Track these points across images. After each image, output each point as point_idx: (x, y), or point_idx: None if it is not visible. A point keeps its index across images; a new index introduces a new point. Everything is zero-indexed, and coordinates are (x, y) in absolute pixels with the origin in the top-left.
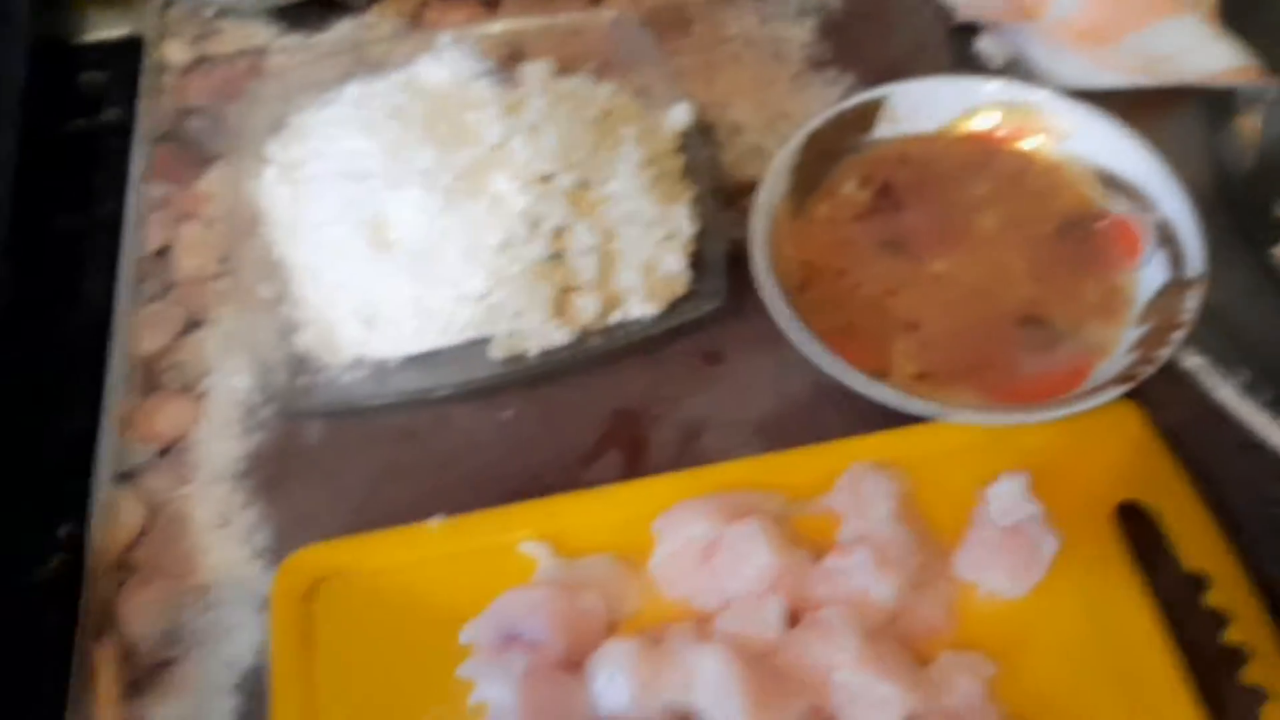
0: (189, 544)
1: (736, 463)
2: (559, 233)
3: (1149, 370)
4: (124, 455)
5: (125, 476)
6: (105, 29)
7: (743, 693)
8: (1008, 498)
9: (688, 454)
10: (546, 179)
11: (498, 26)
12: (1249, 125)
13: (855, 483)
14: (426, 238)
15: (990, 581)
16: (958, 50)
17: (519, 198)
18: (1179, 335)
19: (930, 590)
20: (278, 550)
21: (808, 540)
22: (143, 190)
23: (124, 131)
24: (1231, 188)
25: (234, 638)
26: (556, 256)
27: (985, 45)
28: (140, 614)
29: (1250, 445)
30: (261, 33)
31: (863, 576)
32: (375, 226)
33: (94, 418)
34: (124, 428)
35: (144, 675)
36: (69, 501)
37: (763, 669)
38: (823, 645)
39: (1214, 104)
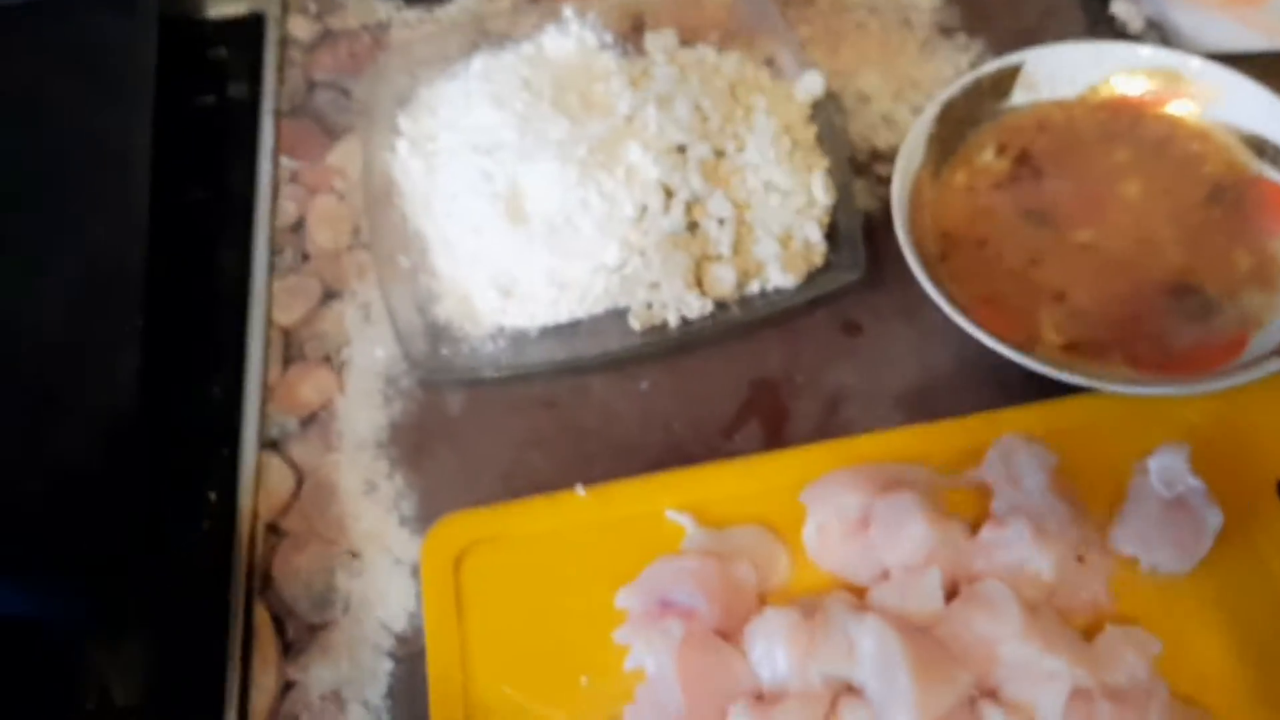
0: (338, 510)
1: (882, 434)
2: (694, 203)
3: None
4: (269, 424)
5: (272, 444)
6: (227, 5)
7: (907, 666)
8: (1170, 469)
9: (829, 425)
10: (680, 149)
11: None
12: None
13: (1006, 455)
14: (562, 209)
15: (1152, 556)
16: (1093, 14)
17: (653, 168)
18: None
19: (1089, 564)
20: (424, 517)
21: (959, 513)
22: (274, 164)
23: (251, 107)
24: None
25: (387, 602)
26: (693, 227)
27: (1122, 8)
28: (295, 578)
29: None
30: (383, 8)
31: (1021, 549)
32: (510, 198)
33: (237, 388)
34: (268, 397)
35: (301, 637)
36: (216, 468)
37: (925, 642)
38: (985, 618)
39: None
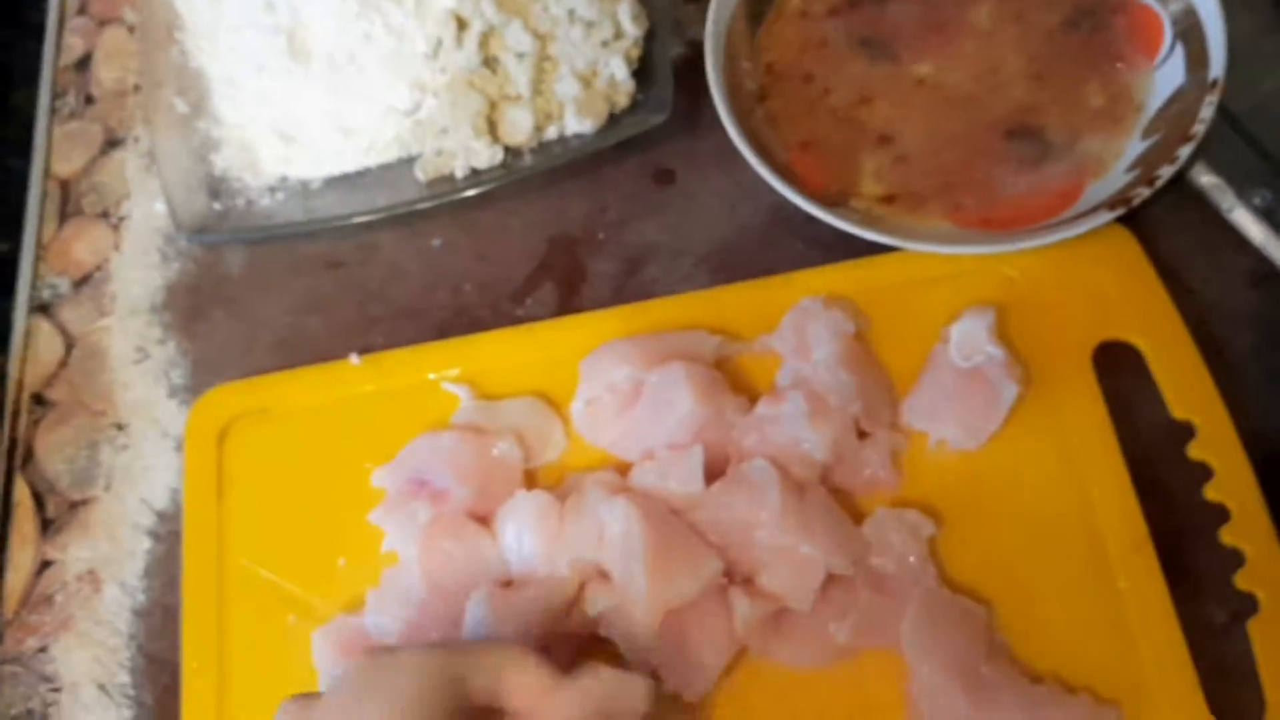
0: (107, 379)
1: (675, 298)
2: (490, 35)
3: (1146, 193)
4: (40, 285)
5: (42, 308)
6: None
7: (648, 551)
8: (969, 338)
9: (628, 287)
10: None
11: None
12: None
13: (801, 320)
14: (343, 45)
15: (942, 430)
16: None
17: None
18: (1187, 149)
19: (873, 440)
20: (195, 387)
21: (746, 384)
22: None
23: None
24: None
25: (151, 478)
26: (489, 63)
27: None
28: (58, 451)
29: (1257, 277)
30: None
31: (795, 425)
32: (292, 33)
33: (18, 241)
34: (41, 256)
35: (61, 514)
36: (1, 326)
37: (671, 526)
38: (744, 501)
39: None
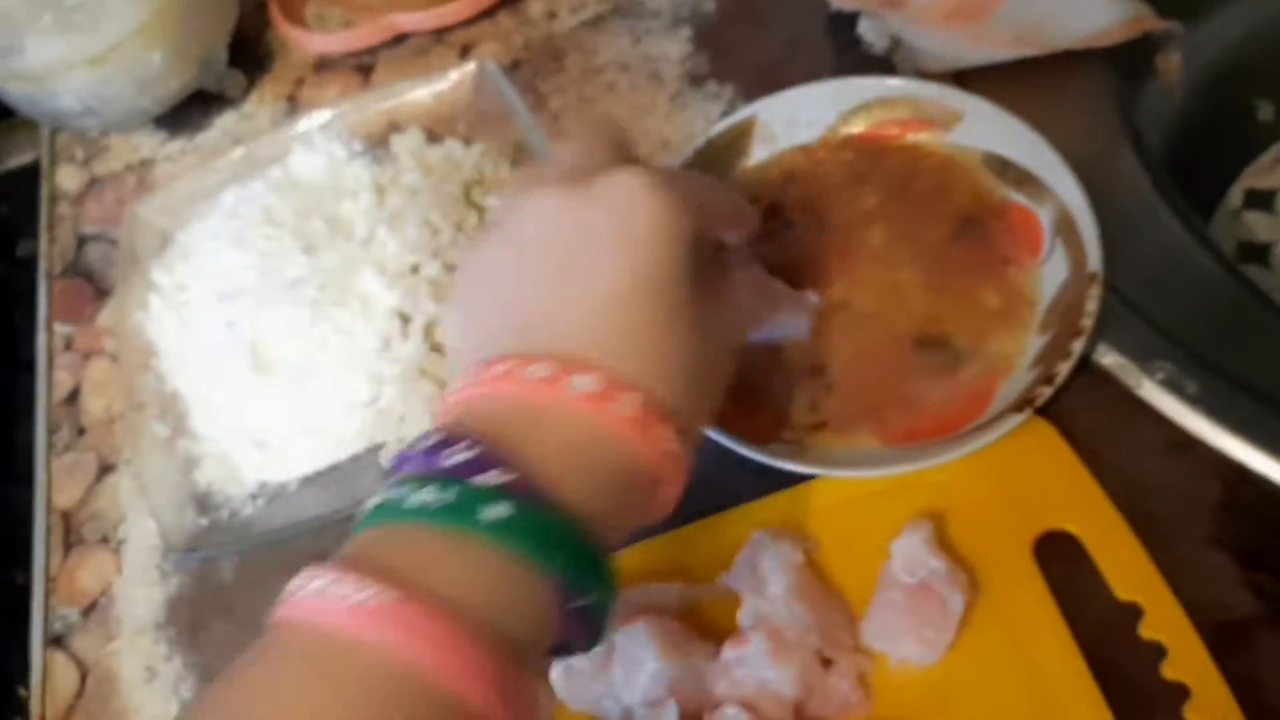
0: (120, 703)
1: (636, 547)
2: (431, 325)
3: (1048, 391)
4: (52, 617)
5: (56, 640)
6: (10, 157)
7: None
8: (910, 553)
9: None
10: (415, 270)
11: (366, 100)
12: (1169, 65)
13: (754, 556)
14: (302, 352)
15: (900, 649)
16: (840, 37)
17: (388, 294)
18: (1079, 343)
19: (837, 668)
20: None
21: (712, 627)
22: (49, 333)
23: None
24: (1151, 148)
25: None
26: (436, 349)
27: (866, 30)
28: None
29: (1175, 447)
30: (146, 142)
31: (760, 666)
32: (253, 347)
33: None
34: (51, 589)
35: None
36: (26, 662)
37: None
38: None
39: (1124, 56)
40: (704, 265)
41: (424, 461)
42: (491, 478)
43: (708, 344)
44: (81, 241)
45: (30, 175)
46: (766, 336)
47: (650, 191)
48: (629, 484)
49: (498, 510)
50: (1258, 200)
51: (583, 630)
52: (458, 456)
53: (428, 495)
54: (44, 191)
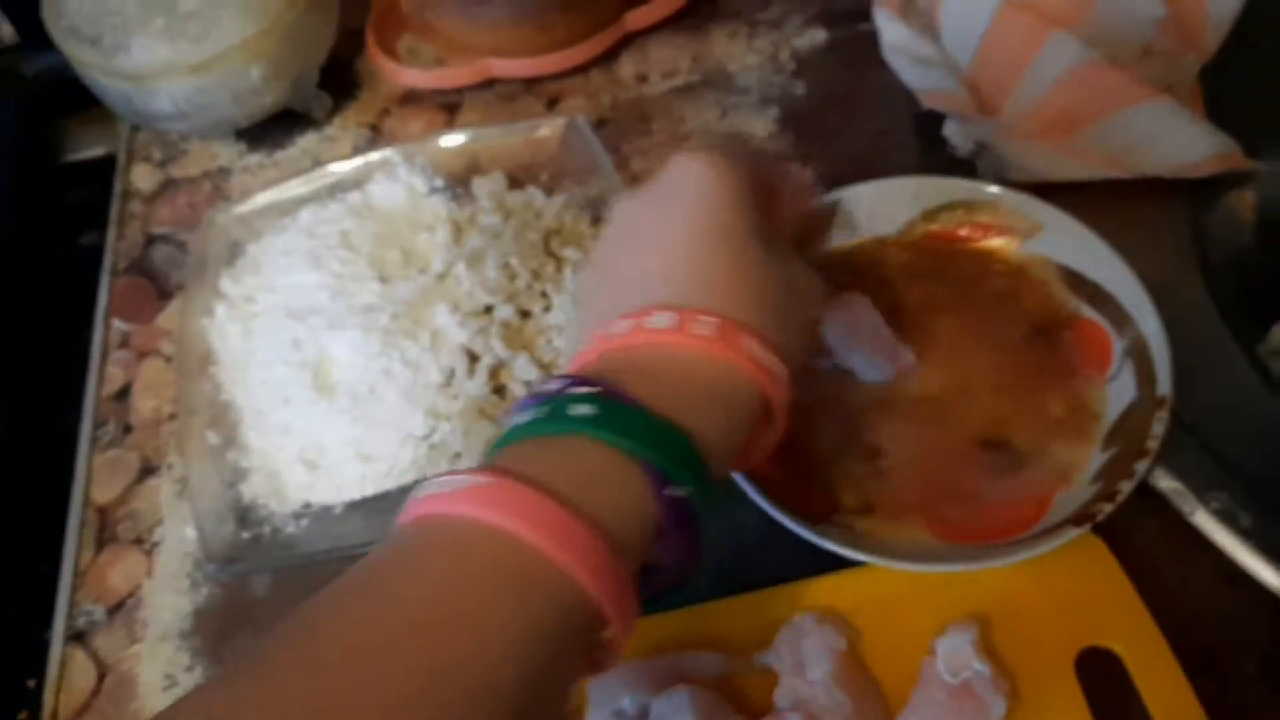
0: (136, 707)
1: (675, 614)
2: (499, 367)
3: (1109, 508)
4: (76, 613)
5: (78, 636)
6: (87, 149)
7: None
8: (955, 653)
9: None
10: (487, 310)
11: (453, 138)
12: (1244, 203)
13: (795, 638)
14: (365, 379)
15: None
16: (926, 136)
17: (459, 331)
18: (1144, 464)
19: None
20: None
21: (748, 702)
22: (105, 328)
23: (100, 257)
24: (1220, 281)
25: None
26: (499, 390)
27: (952, 132)
28: None
29: (1226, 579)
30: (225, 152)
31: None
32: (318, 368)
33: (58, 570)
34: (78, 584)
35: None
36: (39, 654)
37: None
38: None
39: (1200, 186)
40: (767, 225)
41: (530, 400)
42: (580, 390)
43: (779, 282)
44: (149, 241)
45: (103, 169)
46: (848, 363)
47: (697, 160)
48: (724, 397)
49: (584, 409)
50: None
51: (682, 528)
52: (552, 385)
53: (528, 415)
54: (117, 187)
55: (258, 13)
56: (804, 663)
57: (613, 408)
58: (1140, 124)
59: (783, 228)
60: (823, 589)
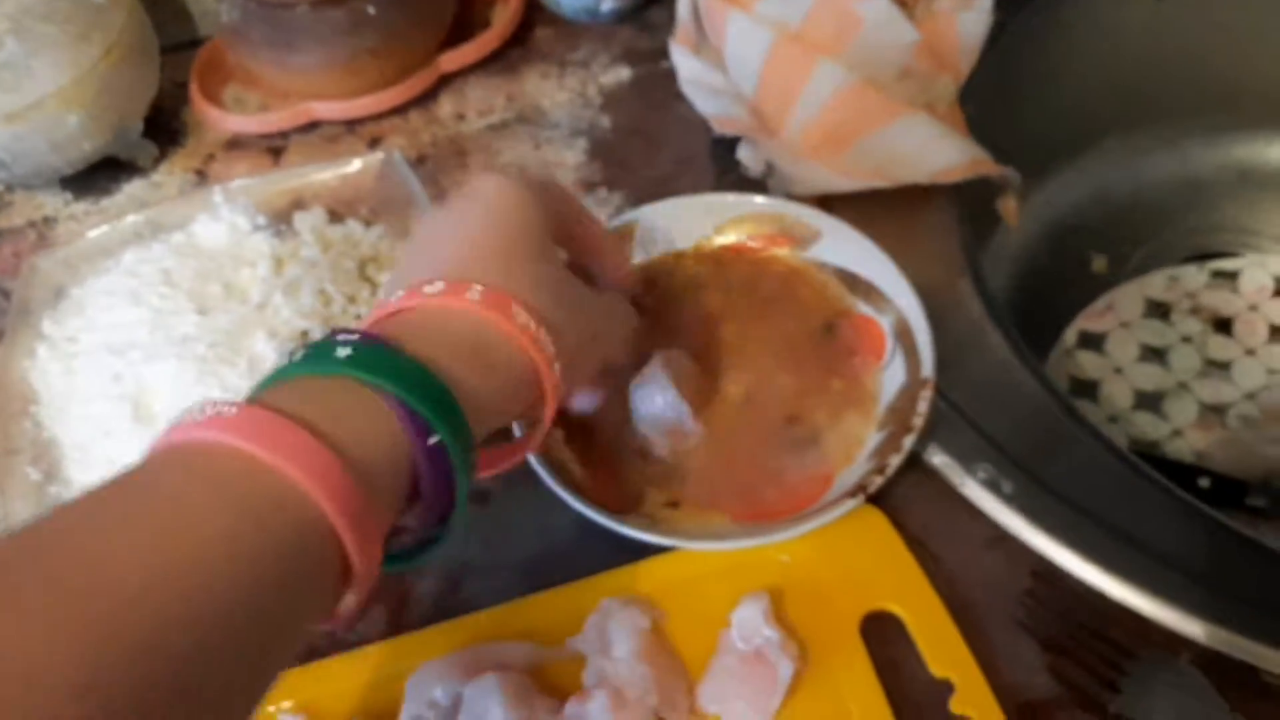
0: None
1: (491, 611)
2: None
3: (879, 480)
4: None
5: None
6: None
7: None
8: (747, 623)
9: (451, 603)
10: (305, 334)
11: (273, 177)
12: (1008, 209)
13: (602, 621)
14: (184, 406)
15: (731, 712)
16: (720, 161)
17: (275, 356)
18: (910, 439)
19: None
20: None
21: (557, 687)
22: None
23: None
24: (985, 276)
25: None
26: None
27: (744, 155)
28: None
29: (992, 541)
30: (50, 201)
31: None
32: (138, 399)
33: None
34: None
35: None
36: None
37: None
38: None
39: (970, 196)
40: (555, 246)
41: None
42: (342, 337)
43: (563, 280)
44: None
45: None
46: (637, 423)
47: (501, 179)
48: (486, 354)
49: (344, 351)
50: (1089, 341)
51: (438, 478)
52: (318, 338)
53: (294, 358)
54: None
55: (71, 63)
56: (610, 642)
57: (370, 349)
58: (898, 138)
59: (582, 259)
60: (629, 576)
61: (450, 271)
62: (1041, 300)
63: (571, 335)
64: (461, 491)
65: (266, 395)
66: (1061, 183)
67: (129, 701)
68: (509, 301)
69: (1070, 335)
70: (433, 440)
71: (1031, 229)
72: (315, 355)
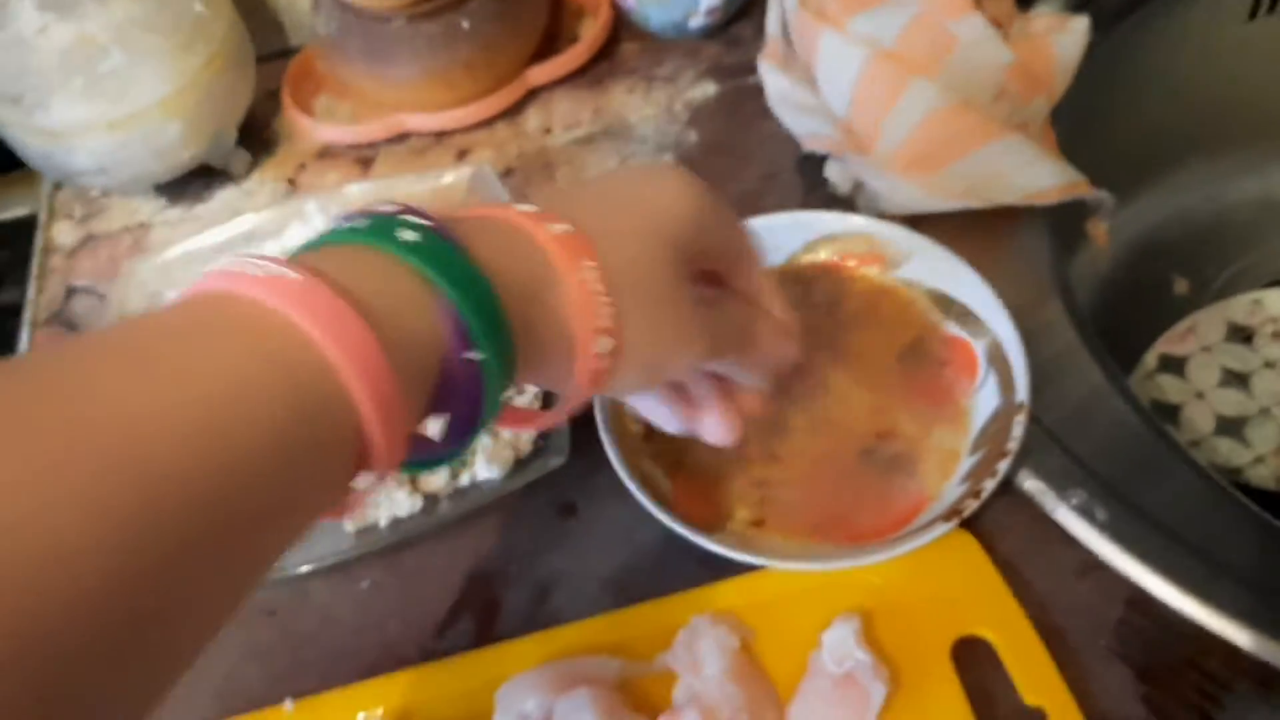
0: None
1: (580, 624)
2: None
3: (974, 505)
4: None
5: None
6: (8, 209)
7: None
8: (839, 645)
9: (539, 615)
10: None
11: (365, 187)
12: (1098, 232)
13: (691, 639)
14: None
15: None
16: (809, 177)
17: None
18: (1005, 464)
19: None
20: None
21: (647, 703)
22: None
23: (19, 312)
24: (1078, 299)
25: None
26: None
27: (833, 172)
28: None
29: (1085, 568)
30: (145, 207)
31: None
32: None
33: None
34: None
35: None
36: None
37: None
38: None
39: (1061, 218)
40: (688, 271)
41: (362, 214)
42: (412, 218)
43: (667, 293)
44: (70, 293)
45: (25, 228)
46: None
47: (687, 177)
48: (542, 295)
49: (411, 235)
50: (1170, 365)
51: (465, 394)
52: (388, 208)
53: (355, 223)
54: (38, 243)
55: (175, 72)
56: (699, 661)
57: (439, 244)
58: (993, 159)
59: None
60: (717, 594)
61: (571, 209)
62: (1122, 322)
63: (645, 336)
64: (488, 415)
65: (319, 258)
66: (1144, 203)
67: (139, 529)
68: (585, 251)
69: (1151, 358)
70: (473, 355)
71: (1113, 250)
72: (378, 228)
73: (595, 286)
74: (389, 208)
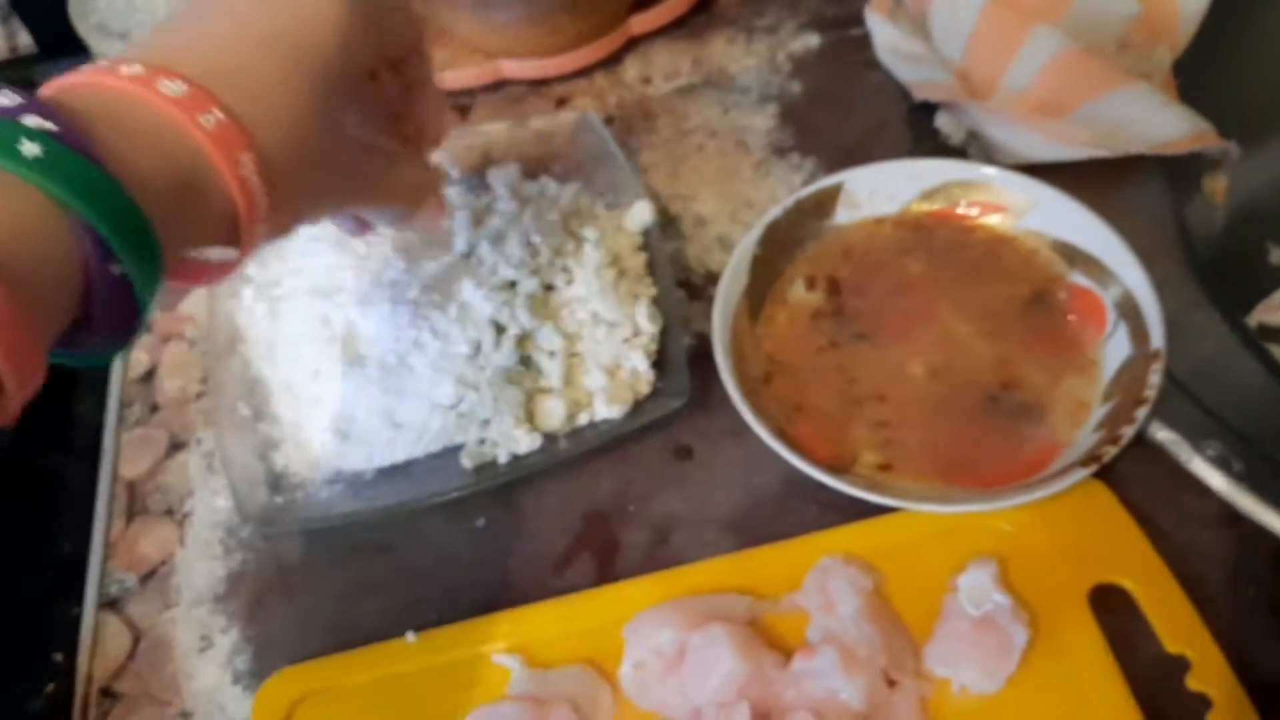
0: (172, 669)
1: (705, 563)
2: (525, 337)
3: (1114, 451)
4: (109, 581)
5: (111, 603)
6: None
7: None
8: (976, 588)
9: (659, 555)
10: (511, 285)
11: (468, 134)
12: (1217, 187)
13: (823, 579)
14: (395, 350)
15: (962, 676)
16: (918, 128)
17: (485, 305)
18: (1143, 411)
19: (901, 689)
20: (258, 672)
21: (778, 641)
22: None
23: None
24: (1198, 252)
25: None
26: (525, 361)
27: (944, 122)
28: None
29: (1223, 519)
30: None
31: (831, 678)
32: (347, 341)
33: (85, 544)
34: (109, 554)
35: None
36: (64, 627)
37: None
38: None
39: (1178, 169)
40: (368, 77)
41: None
42: (38, 121)
43: (331, 135)
44: None
45: None
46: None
47: None
48: (191, 182)
49: (36, 149)
50: (1269, 335)
51: (115, 307)
52: (10, 99)
53: None
54: None
55: None
56: (833, 600)
57: (67, 156)
58: (1120, 107)
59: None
60: (844, 536)
61: (205, 53)
62: (1243, 267)
63: (306, 187)
64: (143, 312)
65: None
66: (1241, 167)
67: None
68: (242, 139)
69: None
70: (115, 269)
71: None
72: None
73: (254, 181)
74: (8, 101)
